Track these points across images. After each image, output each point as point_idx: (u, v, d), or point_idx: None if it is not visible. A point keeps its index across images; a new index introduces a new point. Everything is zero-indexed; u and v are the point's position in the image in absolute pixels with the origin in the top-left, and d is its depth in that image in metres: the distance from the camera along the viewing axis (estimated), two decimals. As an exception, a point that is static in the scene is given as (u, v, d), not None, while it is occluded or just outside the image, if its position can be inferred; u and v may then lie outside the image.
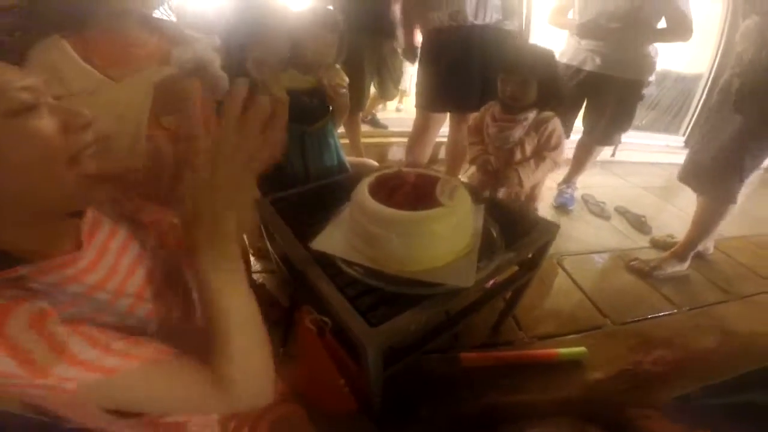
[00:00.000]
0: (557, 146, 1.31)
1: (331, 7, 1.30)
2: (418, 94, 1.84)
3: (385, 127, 2.92)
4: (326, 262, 0.77)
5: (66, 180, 0.43)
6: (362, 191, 0.73)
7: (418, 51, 1.83)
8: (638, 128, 3.26)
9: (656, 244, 1.95)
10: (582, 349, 1.24)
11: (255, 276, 1.43)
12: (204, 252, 0.46)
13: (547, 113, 1.30)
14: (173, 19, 0.98)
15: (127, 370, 0.40)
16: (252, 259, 1.49)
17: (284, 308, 1.11)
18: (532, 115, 1.29)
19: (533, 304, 1.44)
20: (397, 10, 1.95)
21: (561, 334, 1.35)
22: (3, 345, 0.35)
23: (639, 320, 1.46)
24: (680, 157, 3.08)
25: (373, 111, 2.92)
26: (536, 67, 1.23)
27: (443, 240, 0.73)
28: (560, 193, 2.24)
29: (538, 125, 1.30)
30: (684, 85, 3.58)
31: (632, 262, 1.75)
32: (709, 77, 3.10)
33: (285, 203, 1.01)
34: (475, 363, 1.17)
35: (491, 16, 1.60)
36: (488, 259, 0.80)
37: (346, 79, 1.26)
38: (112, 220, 0.56)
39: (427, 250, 0.72)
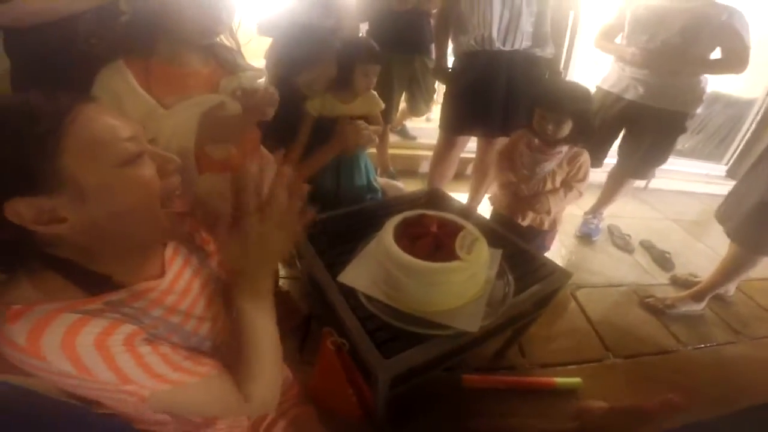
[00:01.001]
0: (585, 178, 1.43)
1: (370, 40, 1.37)
2: (442, 116, 1.88)
3: (414, 138, 2.95)
4: (349, 293, 0.88)
5: (160, 218, 0.53)
6: (388, 237, 0.82)
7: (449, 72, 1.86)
8: (678, 153, 3.16)
9: (676, 282, 1.96)
10: (577, 380, 1.33)
11: (281, 282, 1.53)
12: (244, 293, 0.59)
13: (579, 148, 1.41)
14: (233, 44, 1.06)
15: (189, 383, 0.51)
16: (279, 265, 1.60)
17: (304, 316, 1.22)
18: (565, 149, 1.40)
19: (540, 333, 1.51)
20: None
21: (562, 363, 1.43)
22: (106, 359, 0.45)
23: (640, 355, 1.51)
24: (720, 188, 3.04)
25: (403, 122, 2.94)
26: (574, 106, 1.31)
27: (457, 288, 0.82)
28: (585, 222, 2.25)
29: (571, 159, 1.42)
30: (735, 110, 3.39)
31: (647, 299, 1.78)
32: (763, 103, 2.97)
33: (314, 228, 1.11)
34: (476, 384, 1.27)
35: (521, 43, 1.60)
36: (498, 304, 0.89)
37: (382, 105, 1.34)
38: (187, 250, 0.68)
39: (441, 296, 0.81)
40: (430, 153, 2.32)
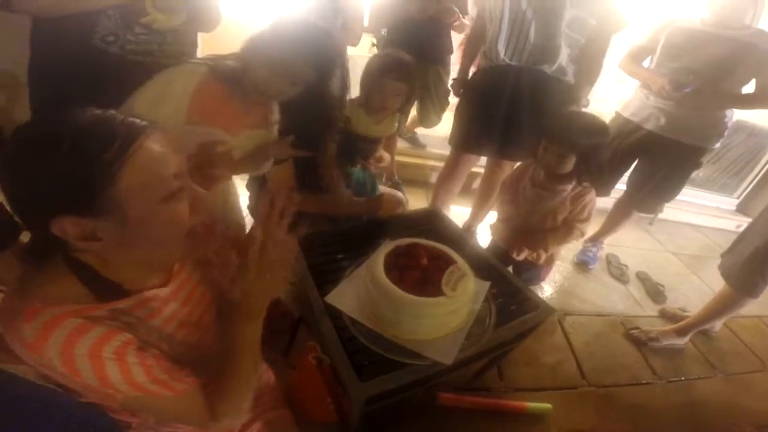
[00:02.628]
0: (588, 218, 1.41)
1: (405, 56, 1.32)
2: (452, 132, 1.88)
3: (423, 146, 2.91)
4: (336, 311, 0.93)
5: (182, 246, 0.59)
6: (378, 266, 0.88)
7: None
8: (690, 183, 3.12)
9: (664, 315, 1.99)
10: (548, 406, 1.39)
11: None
12: (238, 314, 0.65)
13: (585, 186, 1.38)
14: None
15: (161, 396, 0.56)
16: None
17: (293, 319, 1.28)
18: (570, 186, 1.37)
19: (521, 357, 1.57)
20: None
21: (538, 388, 1.49)
22: (95, 367, 0.50)
23: (614, 386, 1.57)
24: (727, 222, 3.05)
25: (414, 129, 2.90)
26: (580, 140, 1.27)
27: (438, 321, 0.88)
28: (584, 250, 2.24)
29: (575, 198, 1.38)
30: (757, 140, 3.29)
31: (632, 330, 1.81)
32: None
33: (308, 242, 1.15)
34: (450, 402, 1.33)
35: (526, 59, 1.55)
36: (477, 336, 0.94)
37: (394, 130, 1.36)
38: (195, 261, 0.73)
39: (422, 328, 0.87)
40: (438, 163, 2.32)
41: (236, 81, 0.94)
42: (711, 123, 1.71)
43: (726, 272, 1.60)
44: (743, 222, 3.01)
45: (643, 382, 1.62)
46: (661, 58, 1.76)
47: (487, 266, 1.21)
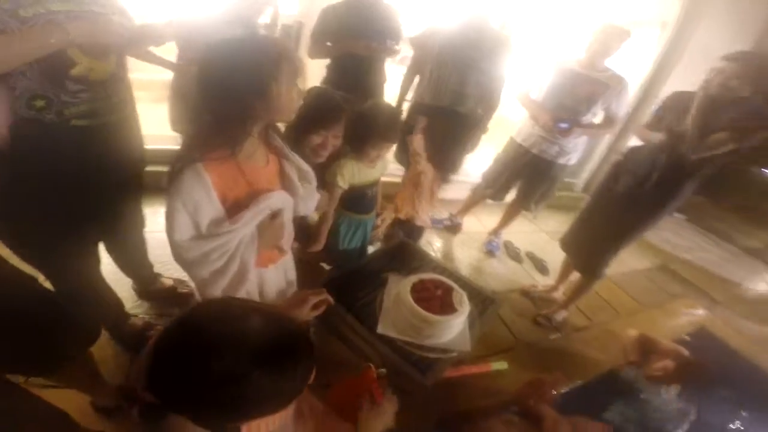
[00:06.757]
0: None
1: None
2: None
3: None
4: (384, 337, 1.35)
5: None
6: (410, 301, 1.33)
7: None
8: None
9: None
10: (504, 363, 1.93)
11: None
12: None
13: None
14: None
15: None
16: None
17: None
18: None
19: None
20: None
21: (489, 354, 2.09)
22: None
23: (536, 343, 2.26)
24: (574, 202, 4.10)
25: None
26: None
27: (457, 328, 1.39)
28: (489, 241, 2.93)
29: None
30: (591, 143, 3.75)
31: (539, 318, 2.33)
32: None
33: (337, 283, 1.47)
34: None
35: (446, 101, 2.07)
36: (473, 327, 1.47)
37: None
38: None
39: (446, 334, 1.36)
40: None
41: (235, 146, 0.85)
42: (574, 148, 2.35)
43: (576, 262, 2.20)
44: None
45: (552, 337, 2.31)
46: (547, 94, 2.23)
47: (456, 278, 1.74)
